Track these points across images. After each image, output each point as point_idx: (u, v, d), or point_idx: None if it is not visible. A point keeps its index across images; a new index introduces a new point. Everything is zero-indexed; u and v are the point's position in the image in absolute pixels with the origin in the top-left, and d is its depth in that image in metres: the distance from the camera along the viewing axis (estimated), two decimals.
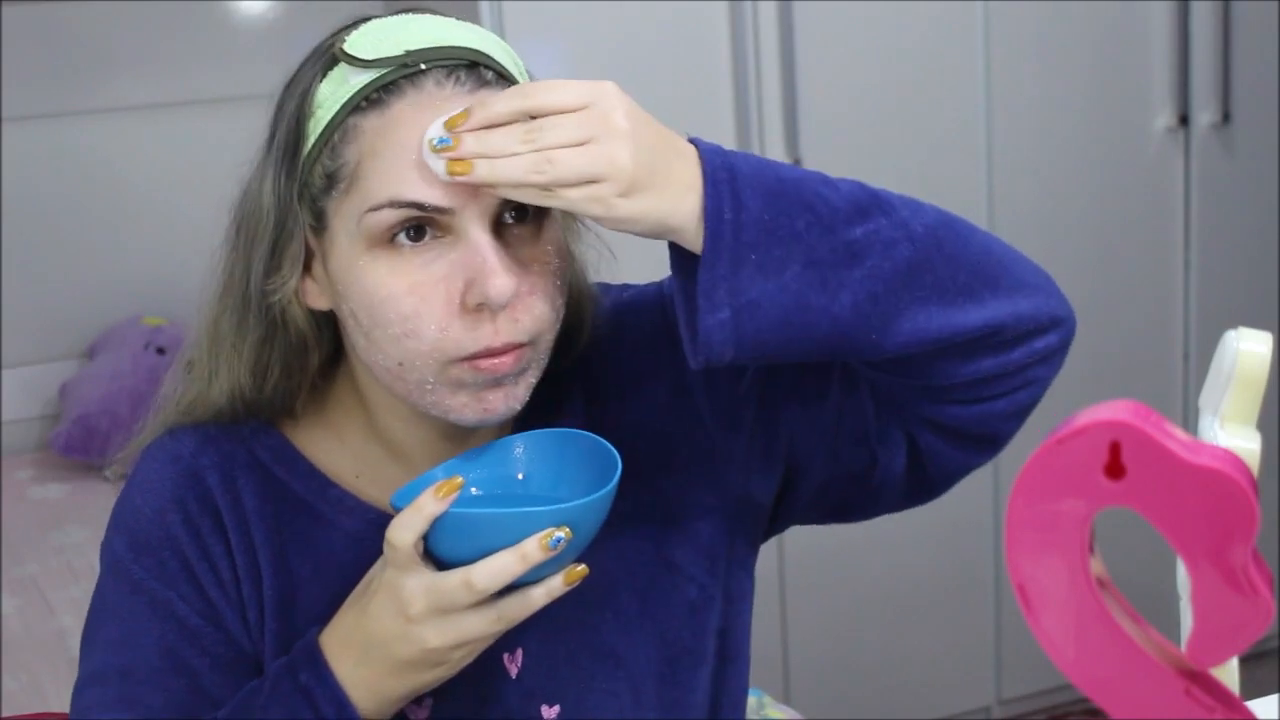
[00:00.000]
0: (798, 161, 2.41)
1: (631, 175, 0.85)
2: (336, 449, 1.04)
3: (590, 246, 1.05)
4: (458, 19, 0.97)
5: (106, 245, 2.87)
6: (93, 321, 2.86)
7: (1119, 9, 2.62)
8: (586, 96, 0.86)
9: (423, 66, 0.91)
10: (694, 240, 0.88)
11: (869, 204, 0.91)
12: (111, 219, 2.87)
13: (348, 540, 1.01)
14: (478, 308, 0.91)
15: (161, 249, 2.83)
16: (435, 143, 0.87)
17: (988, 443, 1.01)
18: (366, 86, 0.91)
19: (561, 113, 0.86)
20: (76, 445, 2.65)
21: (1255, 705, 1.00)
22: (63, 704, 1.19)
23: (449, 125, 0.88)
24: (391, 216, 0.90)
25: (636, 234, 0.89)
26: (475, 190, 0.89)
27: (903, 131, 2.52)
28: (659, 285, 1.09)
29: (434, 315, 0.91)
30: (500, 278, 0.89)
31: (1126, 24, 2.64)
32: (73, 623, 2.11)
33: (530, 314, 0.93)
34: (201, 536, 0.99)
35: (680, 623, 1.06)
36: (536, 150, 0.85)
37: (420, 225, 0.91)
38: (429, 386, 0.93)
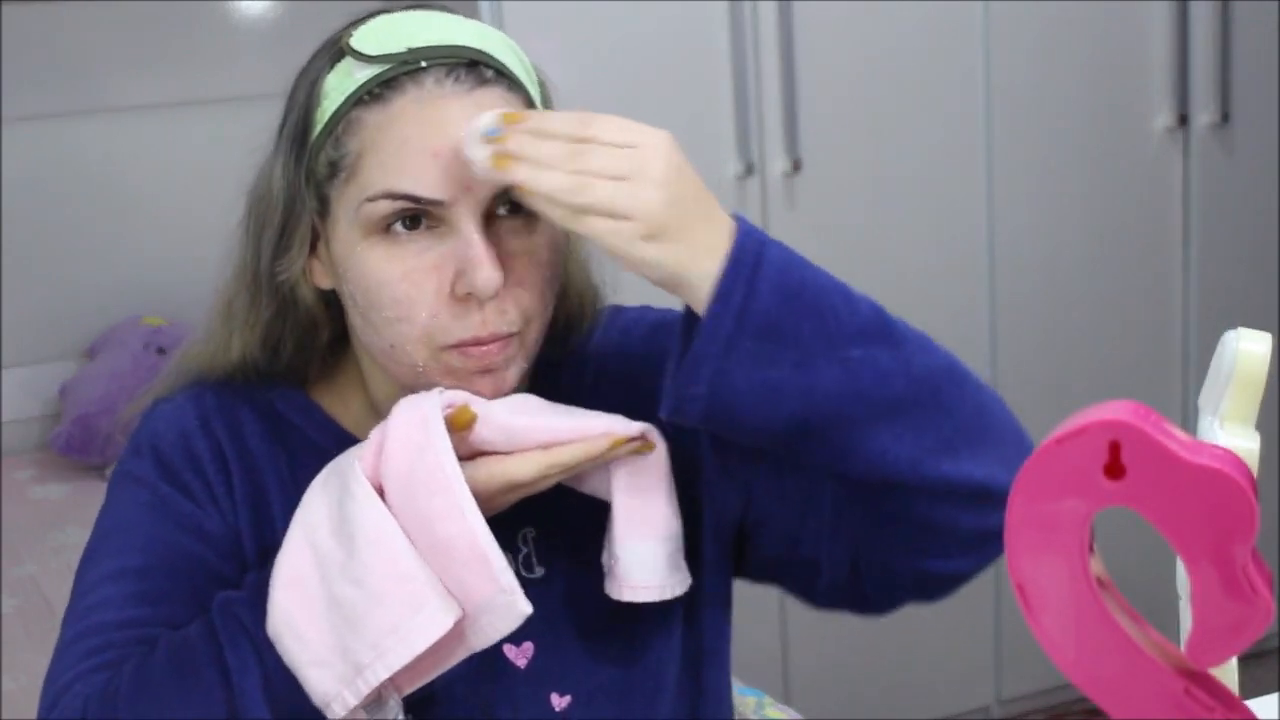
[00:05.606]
0: (797, 164, 2.42)
1: (659, 221, 0.87)
2: (343, 414, 1.07)
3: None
4: (463, 16, 1.00)
5: (106, 245, 2.87)
6: (93, 321, 2.85)
7: (1119, 9, 2.62)
8: (637, 138, 0.88)
9: (424, 64, 0.95)
10: (701, 303, 0.90)
11: (878, 331, 0.92)
12: (111, 219, 2.86)
13: None
14: (466, 297, 0.94)
15: (161, 249, 2.83)
16: (485, 131, 0.89)
17: (909, 593, 1.04)
18: (369, 81, 0.95)
19: (611, 146, 0.88)
20: (76, 445, 2.65)
21: (1255, 705, 1.00)
22: None
23: (507, 120, 0.89)
24: (387, 207, 0.94)
25: (649, 279, 0.90)
26: (468, 184, 0.92)
27: (903, 132, 2.52)
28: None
29: (425, 302, 0.95)
30: (487, 269, 0.93)
31: (1126, 24, 2.64)
32: None
33: (518, 305, 0.96)
34: (218, 463, 1.03)
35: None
36: (576, 171, 0.87)
37: (415, 216, 0.94)
38: (419, 370, 0.97)
